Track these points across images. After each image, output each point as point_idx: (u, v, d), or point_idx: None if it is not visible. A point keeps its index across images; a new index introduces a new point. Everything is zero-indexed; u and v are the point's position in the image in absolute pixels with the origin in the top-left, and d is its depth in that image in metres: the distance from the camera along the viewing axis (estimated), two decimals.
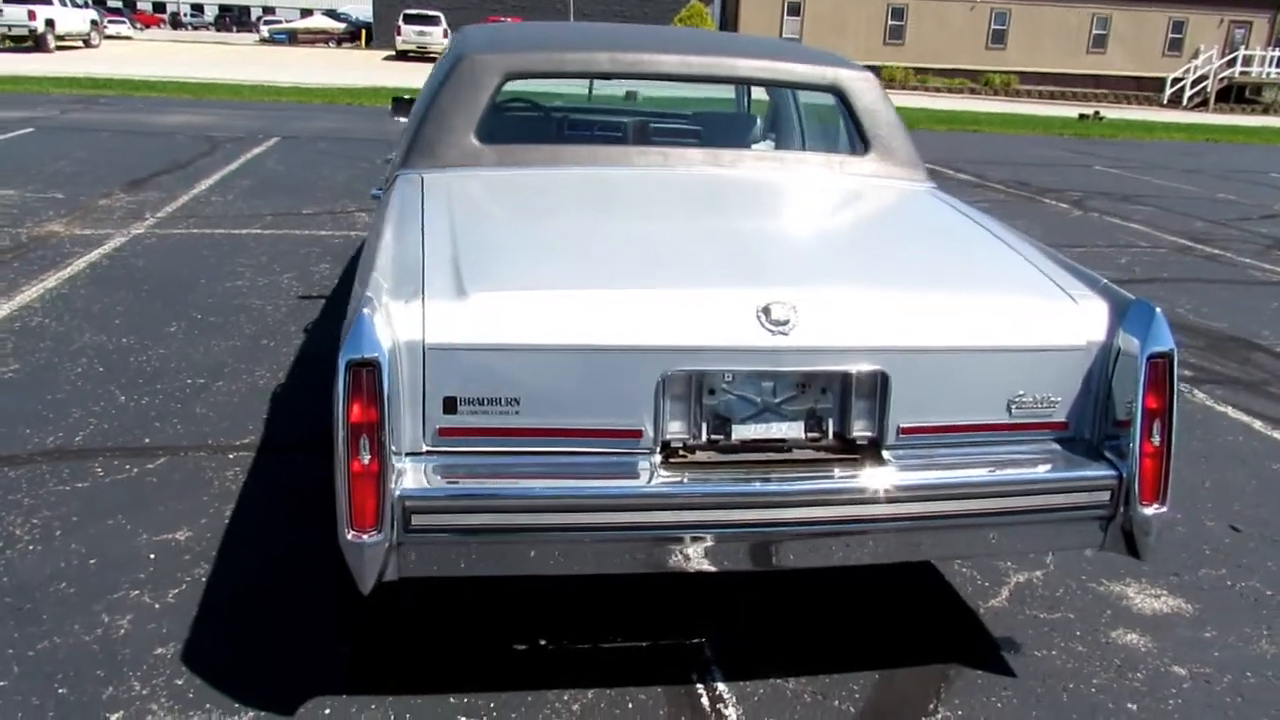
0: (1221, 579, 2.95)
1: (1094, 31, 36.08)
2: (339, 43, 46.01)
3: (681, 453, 2.08)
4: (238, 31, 64.70)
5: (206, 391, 3.92)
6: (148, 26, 60.07)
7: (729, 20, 35.01)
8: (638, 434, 2.02)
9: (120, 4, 60.92)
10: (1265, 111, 32.63)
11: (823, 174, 3.14)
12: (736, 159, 3.12)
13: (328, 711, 2.15)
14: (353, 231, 7.02)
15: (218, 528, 2.89)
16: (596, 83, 4.70)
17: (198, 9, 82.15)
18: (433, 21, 32.83)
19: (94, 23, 30.77)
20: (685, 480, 2.04)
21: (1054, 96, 33.66)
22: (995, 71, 34.88)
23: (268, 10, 73.90)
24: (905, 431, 2.12)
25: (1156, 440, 2.12)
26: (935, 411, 2.13)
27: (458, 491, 1.96)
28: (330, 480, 1.86)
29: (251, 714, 2.12)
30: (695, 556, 2.04)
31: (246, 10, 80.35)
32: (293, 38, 47.39)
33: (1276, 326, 5.92)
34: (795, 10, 34.98)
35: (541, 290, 2.04)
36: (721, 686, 2.30)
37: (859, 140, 3.11)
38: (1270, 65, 34.06)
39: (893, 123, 3.13)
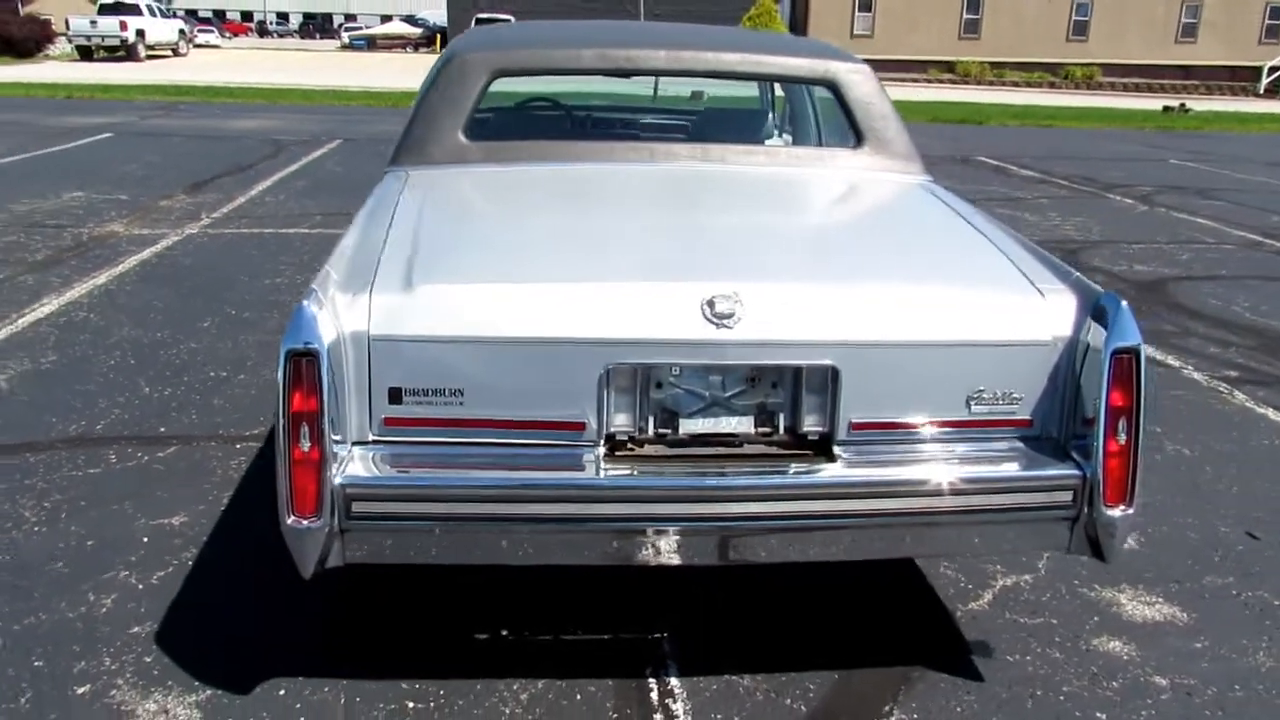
0: (1226, 587, 2.81)
1: (1183, 20, 34.68)
2: (415, 47, 47.08)
3: (628, 445, 2.08)
4: (320, 39, 66.72)
5: (227, 384, 4.06)
6: (235, 35, 62.47)
7: (799, 18, 34.66)
8: (580, 426, 2.03)
9: (210, 14, 63.44)
10: None
11: (812, 168, 3.10)
12: (724, 154, 3.09)
13: (282, 692, 2.21)
14: None
15: (212, 514, 2.99)
16: (621, 81, 4.70)
17: (283, 17, 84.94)
18: (503, 24, 33.30)
19: (182, 32, 32.17)
20: (631, 473, 2.04)
21: (1139, 89, 32.46)
22: (1076, 64, 33.79)
23: (349, 17, 76.07)
24: (857, 427, 2.08)
25: (1122, 439, 2.03)
26: (889, 407, 2.09)
27: (397, 480, 1.99)
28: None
29: (209, 692, 2.20)
30: (642, 550, 2.04)
31: (329, 18, 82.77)
32: (371, 44, 48.74)
33: None
34: (867, 6, 34.46)
35: (487, 283, 2.07)
36: (674, 681, 2.29)
37: (852, 133, 3.06)
38: None
39: (887, 115, 3.07)
